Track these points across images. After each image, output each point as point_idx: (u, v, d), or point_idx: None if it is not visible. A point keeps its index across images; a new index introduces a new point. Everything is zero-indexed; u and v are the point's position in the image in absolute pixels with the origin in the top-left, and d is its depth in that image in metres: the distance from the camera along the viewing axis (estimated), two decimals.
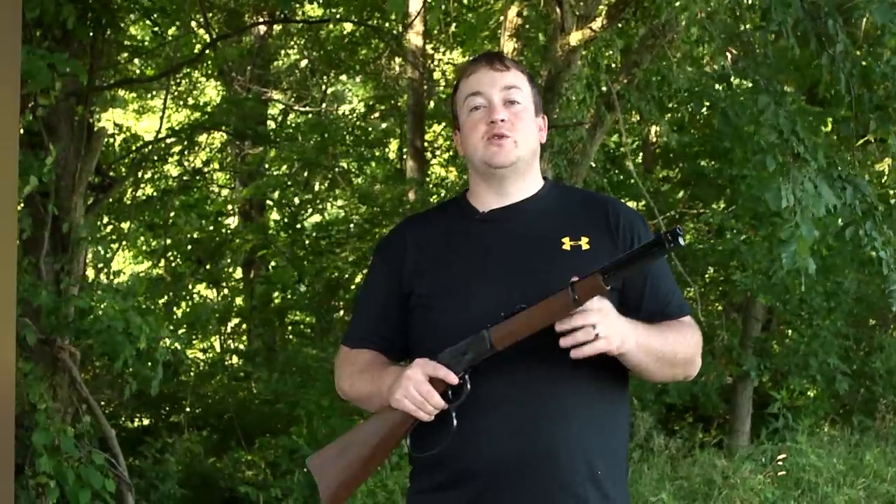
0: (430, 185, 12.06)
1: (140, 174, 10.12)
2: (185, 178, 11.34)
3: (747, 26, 6.76)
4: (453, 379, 2.20)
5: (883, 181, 9.25)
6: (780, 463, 8.17)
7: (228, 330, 13.14)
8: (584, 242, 2.31)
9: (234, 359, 12.17)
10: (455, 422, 2.21)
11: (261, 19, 10.78)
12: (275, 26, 11.75)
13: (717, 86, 7.22)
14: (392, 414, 2.26)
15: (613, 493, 2.26)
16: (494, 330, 2.19)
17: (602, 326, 2.13)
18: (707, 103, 8.95)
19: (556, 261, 2.29)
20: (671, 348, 2.29)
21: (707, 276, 11.45)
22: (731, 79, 6.17)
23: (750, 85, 5.56)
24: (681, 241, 2.08)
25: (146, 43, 9.54)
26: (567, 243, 2.31)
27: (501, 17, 7.98)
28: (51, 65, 4.81)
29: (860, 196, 5.21)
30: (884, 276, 5.37)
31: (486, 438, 2.21)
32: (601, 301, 2.16)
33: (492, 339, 2.18)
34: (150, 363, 5.91)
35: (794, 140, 4.94)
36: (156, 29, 7.55)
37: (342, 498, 2.32)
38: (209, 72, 11.62)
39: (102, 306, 6.13)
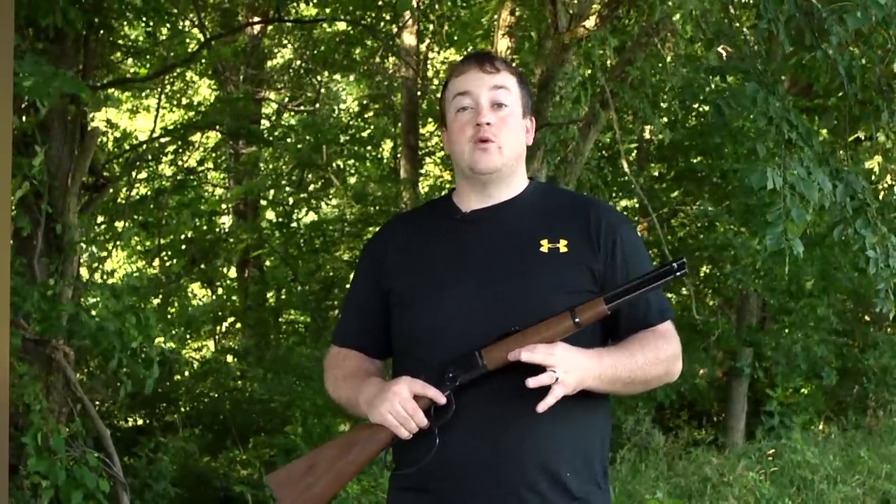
0: (424, 185, 12.07)
1: (134, 174, 10.10)
2: (178, 177, 11.32)
3: (740, 24, 6.76)
4: (442, 399, 2.20)
5: (872, 178, 9.26)
6: (773, 459, 8.19)
7: (223, 329, 13.13)
8: (562, 245, 2.29)
9: (229, 358, 12.15)
10: (438, 440, 2.21)
11: (255, 19, 10.78)
12: (268, 26, 11.75)
13: (710, 82, 7.23)
14: (368, 431, 2.26)
15: (584, 494, 2.26)
16: (486, 351, 2.18)
17: (559, 371, 2.13)
18: (700, 99, 8.97)
19: (532, 262, 2.28)
20: (641, 371, 2.28)
21: (701, 272, 11.47)
22: (726, 76, 6.15)
23: (741, 77, 5.53)
24: (686, 271, 2.18)
25: (140, 41, 9.53)
26: (545, 245, 2.30)
27: (495, 16, 7.99)
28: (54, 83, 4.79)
29: (852, 192, 5.18)
30: (871, 276, 5.32)
31: (457, 440, 2.22)
32: (557, 344, 2.16)
33: (484, 361, 2.18)
34: (143, 361, 5.89)
35: (785, 126, 4.90)
36: (149, 29, 7.53)
37: None
38: (203, 71, 11.61)
39: (96, 307, 6.13)
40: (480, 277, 2.28)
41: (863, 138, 7.02)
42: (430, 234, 2.41)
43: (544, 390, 2.13)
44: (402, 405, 2.19)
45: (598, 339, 2.31)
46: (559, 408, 2.16)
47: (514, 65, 2.51)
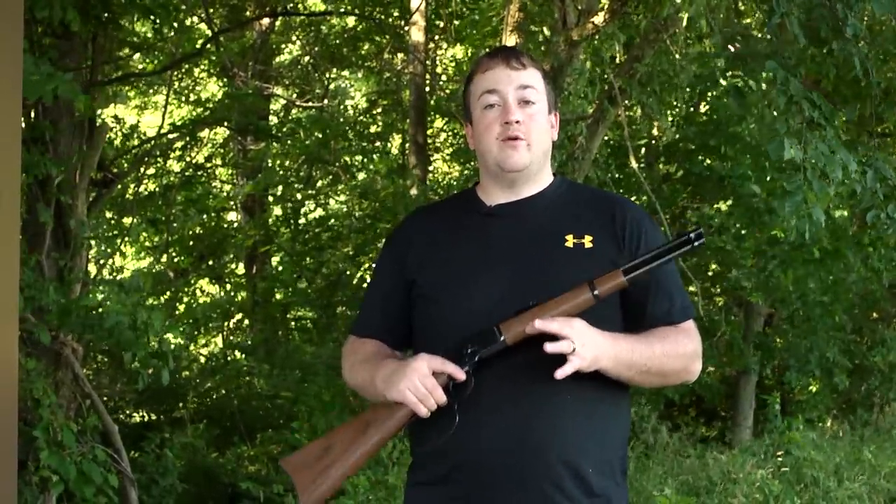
0: (432, 181, 12.06)
1: (142, 170, 10.11)
2: (187, 173, 11.33)
3: (751, 21, 6.74)
4: (461, 375, 2.18)
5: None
6: (780, 458, 8.18)
7: (231, 326, 13.15)
8: (587, 241, 2.29)
9: (237, 354, 12.17)
10: (457, 417, 2.19)
11: (262, 13, 10.78)
12: (276, 22, 11.75)
13: (721, 76, 7.19)
14: (385, 410, 2.24)
15: (604, 490, 2.25)
16: (505, 326, 2.18)
17: (577, 343, 2.13)
18: (710, 92, 8.93)
19: (557, 257, 2.28)
20: (659, 361, 2.27)
21: (710, 271, 11.45)
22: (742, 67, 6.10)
23: (752, 80, 5.50)
24: (703, 241, 2.17)
25: (148, 36, 9.53)
26: (570, 240, 2.30)
27: (503, 12, 7.98)
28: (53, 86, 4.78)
29: (881, 178, 5.14)
30: None
31: (482, 433, 2.20)
32: (574, 318, 2.16)
33: (504, 336, 2.17)
34: (158, 355, 5.91)
35: (806, 105, 4.86)
36: (156, 25, 7.53)
37: (323, 499, 2.26)
38: (211, 70, 11.62)
39: (108, 302, 6.14)
40: (506, 272, 2.28)
41: (885, 132, 7.01)
42: (454, 228, 2.41)
43: (563, 363, 2.12)
44: (421, 381, 2.17)
45: (620, 330, 2.28)
46: (582, 401, 2.18)
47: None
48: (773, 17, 4.82)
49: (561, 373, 2.11)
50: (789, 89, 4.86)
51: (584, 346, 2.13)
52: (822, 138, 4.83)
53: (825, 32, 5.02)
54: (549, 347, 2.11)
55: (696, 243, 2.17)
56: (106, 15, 6.54)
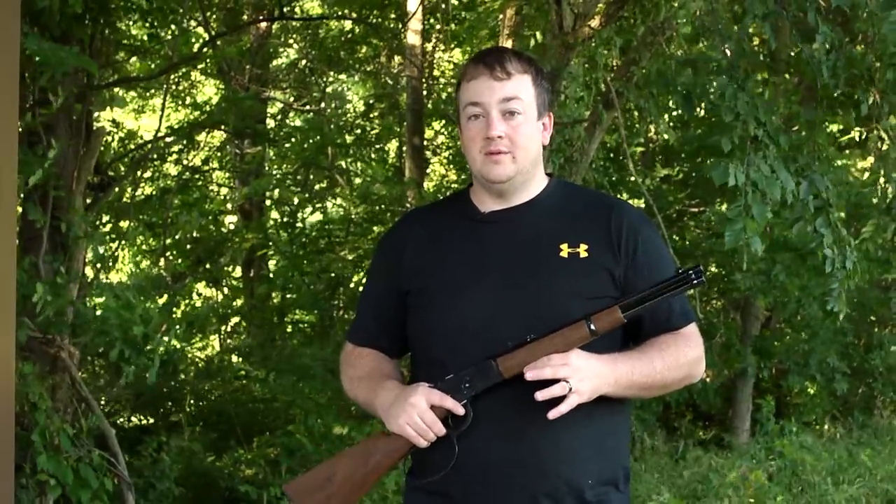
0: (430, 185, 12.06)
1: (139, 173, 10.10)
2: (184, 177, 11.32)
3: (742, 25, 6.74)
4: (460, 410, 2.21)
5: (865, 179, 9.26)
6: (777, 460, 8.18)
7: (228, 329, 13.13)
8: (582, 250, 2.28)
9: (234, 358, 12.14)
10: (457, 448, 2.22)
11: (260, 17, 10.79)
12: (274, 25, 11.75)
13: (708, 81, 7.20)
14: (385, 441, 2.27)
15: (604, 500, 2.26)
16: (502, 360, 2.18)
17: (574, 380, 2.12)
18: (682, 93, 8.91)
19: (551, 267, 2.27)
20: (659, 377, 2.26)
21: (707, 273, 11.43)
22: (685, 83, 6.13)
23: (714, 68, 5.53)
24: (703, 279, 2.16)
25: (145, 40, 9.52)
26: (565, 250, 2.28)
27: (500, 16, 7.98)
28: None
29: (815, 191, 5.16)
30: (827, 274, 5.29)
31: (476, 447, 2.22)
32: (570, 353, 2.15)
33: (500, 370, 2.18)
34: (146, 353, 5.87)
35: (752, 123, 4.89)
36: (153, 30, 7.52)
37: None
38: (208, 70, 11.61)
39: (100, 302, 6.14)
40: (499, 281, 2.27)
41: (857, 138, 7.00)
42: (448, 234, 2.39)
43: (559, 397, 2.12)
44: (420, 416, 2.20)
45: (619, 343, 2.29)
46: (579, 414, 2.16)
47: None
48: (745, 18, 4.84)
49: (555, 412, 2.12)
50: (736, 106, 4.88)
51: (582, 381, 2.13)
52: (764, 158, 4.85)
53: (794, 38, 5.04)
54: (540, 396, 2.12)
55: (695, 281, 2.16)
56: (102, 18, 6.52)
